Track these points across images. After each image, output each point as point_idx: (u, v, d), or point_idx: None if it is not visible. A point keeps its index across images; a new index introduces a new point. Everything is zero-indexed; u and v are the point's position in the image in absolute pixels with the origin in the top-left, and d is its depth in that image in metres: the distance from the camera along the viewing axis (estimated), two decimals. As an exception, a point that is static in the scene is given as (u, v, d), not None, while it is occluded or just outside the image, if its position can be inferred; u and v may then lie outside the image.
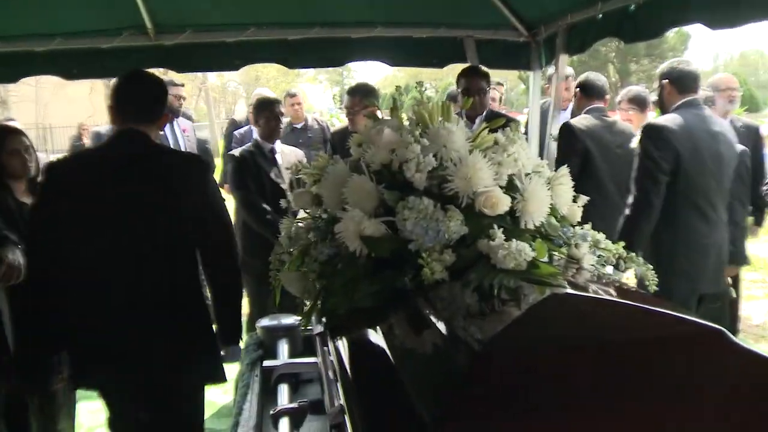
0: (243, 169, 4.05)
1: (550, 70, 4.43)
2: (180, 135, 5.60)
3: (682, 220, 3.25)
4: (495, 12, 4.00)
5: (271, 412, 1.89)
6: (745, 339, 4.98)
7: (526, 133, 3.99)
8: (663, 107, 3.46)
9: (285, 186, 4.04)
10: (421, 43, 4.28)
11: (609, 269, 1.53)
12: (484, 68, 4.15)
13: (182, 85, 5.86)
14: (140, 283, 2.41)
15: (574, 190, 1.64)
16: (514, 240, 1.31)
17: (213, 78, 29.42)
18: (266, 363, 2.37)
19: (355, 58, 4.40)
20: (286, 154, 4.21)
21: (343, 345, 1.45)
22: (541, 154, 4.30)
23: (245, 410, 2.16)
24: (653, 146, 3.23)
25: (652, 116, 4.40)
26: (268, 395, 2.19)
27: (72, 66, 4.07)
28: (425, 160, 1.48)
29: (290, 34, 4.09)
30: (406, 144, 1.52)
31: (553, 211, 1.59)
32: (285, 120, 4.28)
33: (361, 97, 4.21)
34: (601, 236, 1.68)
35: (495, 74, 6.40)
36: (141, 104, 2.50)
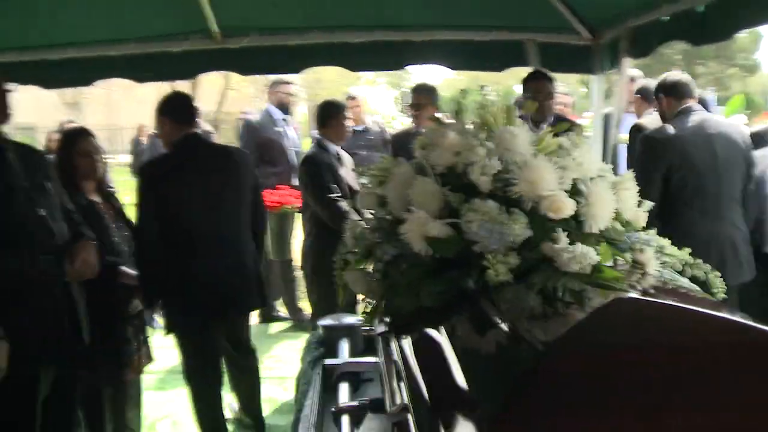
0: (322, 171, 4.05)
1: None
2: (292, 130, 5.75)
3: (681, 218, 3.43)
4: (557, 15, 3.98)
5: (332, 409, 1.94)
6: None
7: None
8: (664, 117, 3.71)
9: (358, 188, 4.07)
10: (482, 46, 4.28)
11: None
12: (546, 72, 4.14)
13: (292, 83, 5.96)
14: (224, 244, 3.34)
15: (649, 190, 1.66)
16: (578, 244, 1.31)
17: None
18: (327, 361, 2.42)
19: (415, 61, 4.43)
20: (343, 156, 4.28)
21: (408, 344, 1.48)
22: (604, 159, 4.25)
23: (306, 407, 2.21)
24: (643, 158, 3.56)
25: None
26: (328, 393, 2.24)
27: (143, 69, 4.23)
28: (490, 163, 1.50)
29: (352, 37, 4.16)
30: (471, 147, 1.54)
31: (618, 215, 1.58)
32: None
33: (426, 93, 4.27)
34: (666, 241, 1.67)
35: (558, 79, 6.38)
36: (190, 114, 3.45)
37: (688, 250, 1.67)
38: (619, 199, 1.61)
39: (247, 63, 4.36)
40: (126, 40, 4.03)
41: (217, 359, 3.52)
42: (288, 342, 5.46)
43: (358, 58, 4.28)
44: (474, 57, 4.41)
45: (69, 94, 22.04)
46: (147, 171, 3.43)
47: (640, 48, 3.82)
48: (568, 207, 1.41)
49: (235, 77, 21.76)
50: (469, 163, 1.53)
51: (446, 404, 1.15)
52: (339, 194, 3.98)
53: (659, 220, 3.35)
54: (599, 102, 4.50)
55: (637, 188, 3.43)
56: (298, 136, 5.84)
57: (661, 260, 1.57)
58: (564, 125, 1.70)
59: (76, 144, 3.22)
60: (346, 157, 4.29)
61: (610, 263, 1.40)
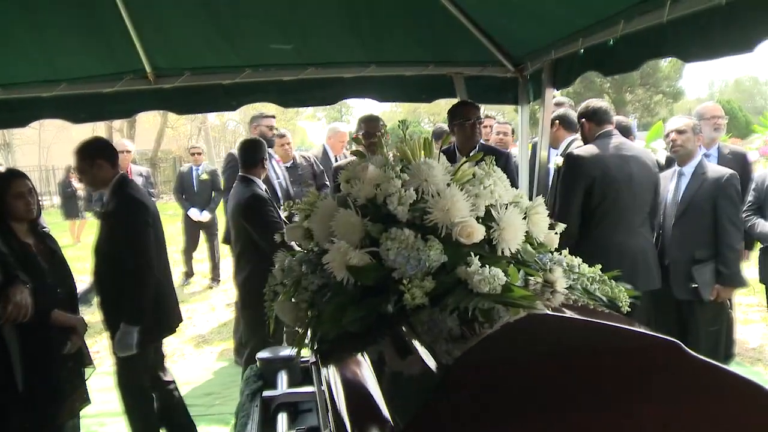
0: (270, 207, 4.12)
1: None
2: (275, 164, 5.63)
3: (598, 230, 3.74)
4: (482, 49, 4.14)
5: (269, 439, 1.98)
6: (741, 362, 5.03)
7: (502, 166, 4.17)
8: (585, 140, 4.04)
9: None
10: (411, 80, 4.41)
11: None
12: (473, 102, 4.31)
13: (273, 117, 5.88)
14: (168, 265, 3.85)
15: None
16: (487, 266, 1.40)
17: (212, 117, 29.67)
18: (266, 393, 2.45)
19: (348, 95, 4.52)
20: None
21: (332, 371, 1.53)
22: (531, 185, 4.41)
23: (245, 439, 2.23)
24: (568, 173, 3.84)
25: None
26: (267, 425, 2.27)
27: (77, 110, 4.21)
28: (407, 194, 1.59)
29: (285, 75, 4.22)
30: (389, 179, 1.63)
31: (529, 238, 1.69)
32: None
33: (376, 122, 4.43)
34: (577, 261, 1.78)
35: (493, 108, 6.65)
36: (117, 155, 3.71)
37: (598, 266, 1.79)
38: (531, 223, 1.72)
39: (181, 102, 4.37)
40: (58, 81, 4.01)
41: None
42: (227, 378, 5.42)
43: (291, 95, 4.34)
44: (404, 90, 4.52)
45: (-1, 134, 21.51)
46: (146, 209, 3.60)
47: (560, 79, 4.00)
48: (478, 232, 1.51)
49: (172, 116, 21.63)
50: (388, 195, 1.62)
51: (363, 426, 1.22)
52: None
53: (581, 231, 3.71)
54: (526, 131, 4.68)
55: (561, 201, 3.76)
56: (280, 167, 5.74)
57: (572, 278, 1.68)
58: (478, 155, 1.81)
59: (9, 186, 3.19)
60: None
61: (520, 283, 1.50)
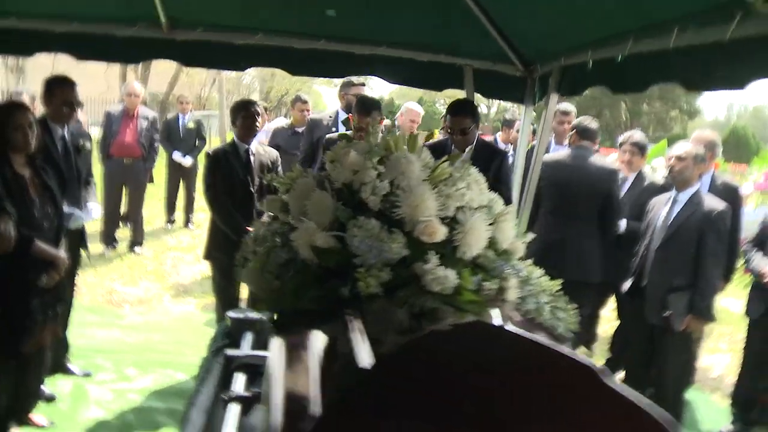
0: (214, 168, 4.30)
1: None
2: None
3: (539, 223, 4.54)
4: (494, 44, 4.15)
5: (223, 396, 2.05)
6: (701, 389, 5.12)
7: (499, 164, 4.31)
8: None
9: (253, 188, 4.23)
10: (422, 66, 4.42)
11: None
12: (471, 104, 4.35)
13: (363, 84, 5.82)
14: None
15: None
16: (442, 267, 1.46)
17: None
18: (229, 352, 2.52)
19: (356, 72, 4.57)
20: (261, 155, 4.41)
21: (282, 343, 1.60)
22: (523, 188, 4.45)
23: (202, 393, 2.30)
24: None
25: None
26: (225, 382, 2.34)
27: (85, 48, 4.23)
28: (380, 185, 1.64)
29: (296, 43, 4.25)
30: (367, 168, 1.68)
31: (493, 244, 1.74)
32: (260, 120, 4.47)
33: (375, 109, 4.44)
34: (537, 273, 1.84)
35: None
36: None
37: (558, 281, 1.84)
38: (497, 230, 1.77)
39: (192, 55, 4.38)
40: (71, 17, 4.03)
41: None
42: (201, 330, 5.49)
43: (300, 63, 4.36)
44: (413, 75, 4.54)
45: (12, 59, 21.37)
46: None
47: (566, 87, 4.02)
48: (440, 232, 1.57)
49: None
50: (363, 183, 1.67)
51: (292, 402, 1.28)
52: (220, 190, 4.26)
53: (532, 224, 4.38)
54: (527, 131, 4.71)
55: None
56: None
57: (527, 289, 1.74)
58: (456, 156, 1.86)
59: (10, 118, 3.24)
60: (263, 155, 4.44)
61: (473, 287, 1.56)
